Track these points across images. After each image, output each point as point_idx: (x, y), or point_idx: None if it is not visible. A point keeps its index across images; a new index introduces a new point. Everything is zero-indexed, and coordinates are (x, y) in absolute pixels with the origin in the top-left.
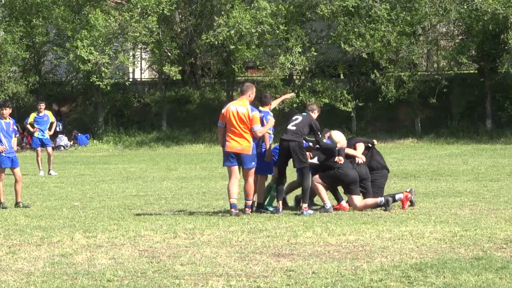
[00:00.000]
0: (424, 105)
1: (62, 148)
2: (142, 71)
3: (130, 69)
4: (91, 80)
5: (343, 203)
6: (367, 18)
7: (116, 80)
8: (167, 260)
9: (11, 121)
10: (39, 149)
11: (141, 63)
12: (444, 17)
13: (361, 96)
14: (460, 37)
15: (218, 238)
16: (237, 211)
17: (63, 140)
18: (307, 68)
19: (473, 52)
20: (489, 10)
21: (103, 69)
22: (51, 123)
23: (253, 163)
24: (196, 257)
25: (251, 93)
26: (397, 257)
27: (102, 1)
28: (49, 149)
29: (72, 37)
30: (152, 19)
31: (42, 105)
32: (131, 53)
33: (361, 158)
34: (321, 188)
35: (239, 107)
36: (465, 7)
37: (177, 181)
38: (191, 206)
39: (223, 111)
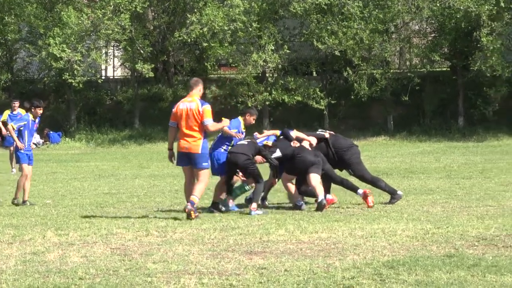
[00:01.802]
0: (397, 102)
1: (34, 146)
2: (114, 69)
3: (103, 67)
4: (63, 77)
5: (329, 196)
6: (339, 16)
7: (88, 78)
8: (139, 258)
9: (36, 120)
10: (12, 147)
11: (113, 61)
12: (417, 15)
13: (333, 94)
14: (432, 35)
15: (190, 236)
16: (191, 208)
17: (35, 138)
18: (279, 66)
19: (446, 49)
20: (462, 8)
21: (76, 66)
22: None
23: (205, 163)
24: (168, 255)
25: (201, 87)
26: (369, 254)
27: None
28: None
29: (45, 34)
30: (124, 17)
31: (16, 103)
32: (103, 51)
33: (309, 141)
34: (291, 187)
35: (189, 103)
36: (438, 4)
37: (149, 179)
38: (163, 204)
39: (173, 109)
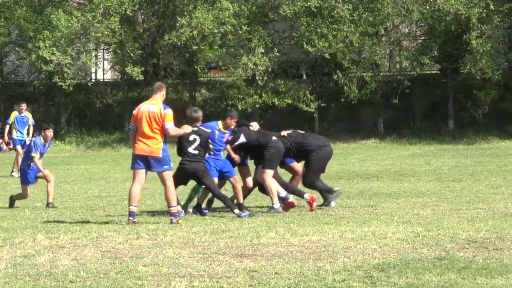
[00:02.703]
0: (387, 105)
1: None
2: (104, 72)
3: (93, 70)
4: (53, 80)
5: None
6: (329, 19)
7: (78, 81)
8: (130, 261)
9: (47, 143)
10: (19, 147)
11: (103, 64)
12: (407, 18)
13: (323, 97)
14: (422, 38)
15: (181, 239)
16: (134, 220)
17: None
18: (269, 69)
19: (436, 52)
20: (451, 11)
21: (66, 69)
22: (28, 126)
23: (166, 166)
24: (159, 258)
25: (164, 92)
26: (360, 257)
27: (64, 2)
28: (19, 147)
29: (34, 37)
30: (114, 20)
31: (24, 105)
32: (93, 54)
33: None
34: (272, 185)
35: (151, 106)
36: (428, 7)
37: None
38: (153, 207)
39: (134, 112)
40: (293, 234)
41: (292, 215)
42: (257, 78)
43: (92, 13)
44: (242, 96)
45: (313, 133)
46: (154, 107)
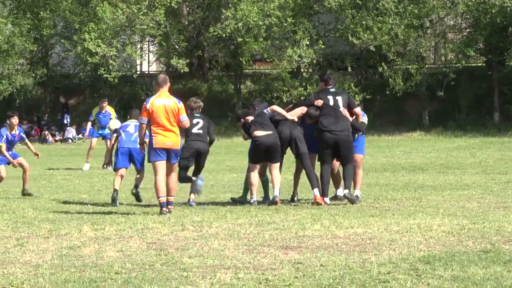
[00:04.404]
0: (432, 98)
1: (70, 141)
2: (149, 64)
3: (138, 62)
4: (98, 72)
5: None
6: (374, 11)
7: (123, 73)
8: (175, 252)
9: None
10: (95, 139)
11: (148, 56)
12: (452, 10)
13: (368, 89)
14: (467, 30)
15: (226, 230)
16: (169, 209)
17: (71, 132)
18: (314, 61)
19: (481, 45)
20: (497, 3)
21: (111, 61)
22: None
23: (178, 158)
24: (204, 249)
25: (169, 84)
26: (405, 250)
27: None
28: (109, 142)
29: (80, 29)
30: (159, 12)
31: (105, 103)
32: (138, 46)
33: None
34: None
35: (165, 100)
36: (473, 0)
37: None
38: (198, 199)
39: (147, 106)
40: (338, 226)
41: (338, 207)
42: (302, 70)
43: (137, 5)
44: (287, 88)
45: None
46: (169, 101)
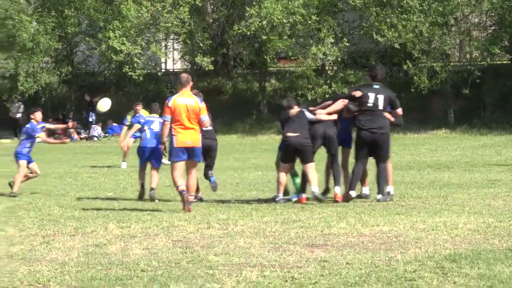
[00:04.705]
0: (457, 95)
1: (95, 139)
2: (174, 62)
3: (162, 60)
4: (123, 70)
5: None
6: (399, 9)
7: (148, 71)
8: (201, 250)
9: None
10: (131, 140)
11: (173, 54)
12: (476, 8)
13: (393, 87)
14: (492, 28)
15: (252, 228)
16: (193, 198)
17: (96, 130)
18: (339, 59)
19: (506, 42)
20: None
21: (135, 59)
22: None
23: (200, 157)
24: (230, 247)
25: (191, 83)
26: (431, 248)
27: None
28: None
29: (104, 27)
30: (184, 10)
31: (139, 106)
32: (163, 44)
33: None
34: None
35: (187, 99)
36: None
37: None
38: (224, 197)
39: (170, 104)
40: (364, 225)
41: (363, 205)
42: (326, 68)
43: (162, 3)
44: (311, 86)
45: None
46: (191, 100)
